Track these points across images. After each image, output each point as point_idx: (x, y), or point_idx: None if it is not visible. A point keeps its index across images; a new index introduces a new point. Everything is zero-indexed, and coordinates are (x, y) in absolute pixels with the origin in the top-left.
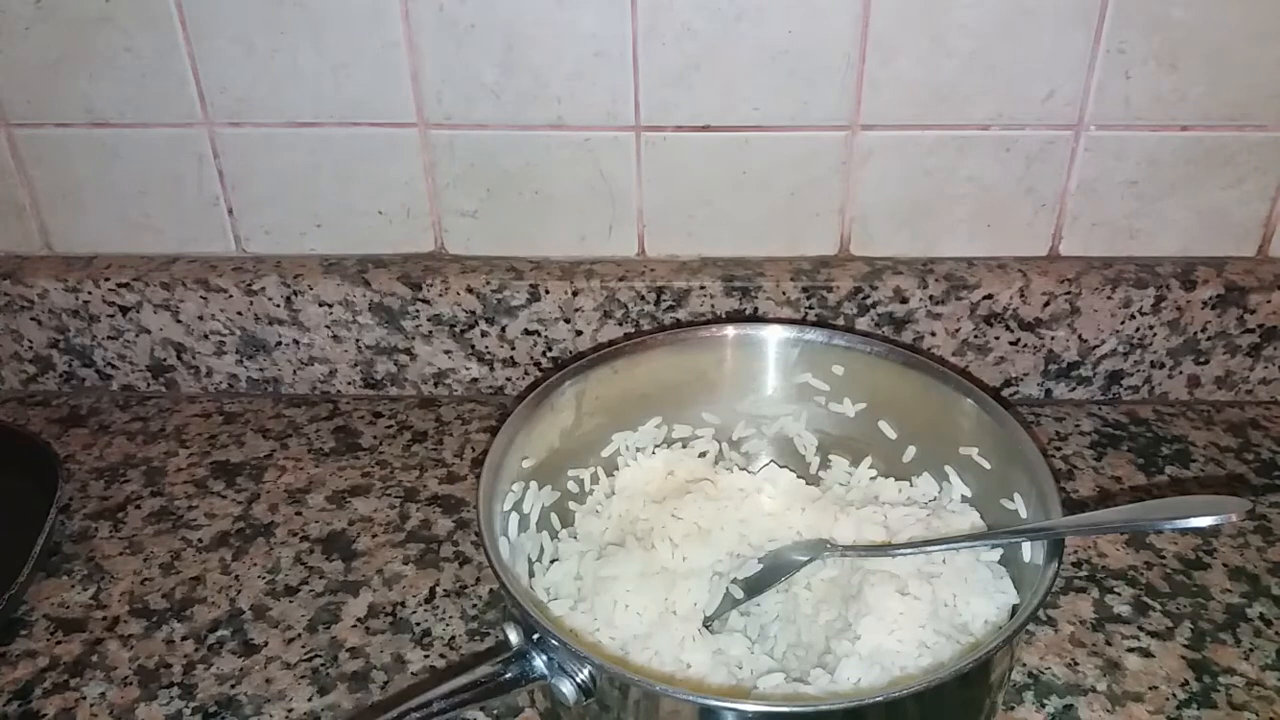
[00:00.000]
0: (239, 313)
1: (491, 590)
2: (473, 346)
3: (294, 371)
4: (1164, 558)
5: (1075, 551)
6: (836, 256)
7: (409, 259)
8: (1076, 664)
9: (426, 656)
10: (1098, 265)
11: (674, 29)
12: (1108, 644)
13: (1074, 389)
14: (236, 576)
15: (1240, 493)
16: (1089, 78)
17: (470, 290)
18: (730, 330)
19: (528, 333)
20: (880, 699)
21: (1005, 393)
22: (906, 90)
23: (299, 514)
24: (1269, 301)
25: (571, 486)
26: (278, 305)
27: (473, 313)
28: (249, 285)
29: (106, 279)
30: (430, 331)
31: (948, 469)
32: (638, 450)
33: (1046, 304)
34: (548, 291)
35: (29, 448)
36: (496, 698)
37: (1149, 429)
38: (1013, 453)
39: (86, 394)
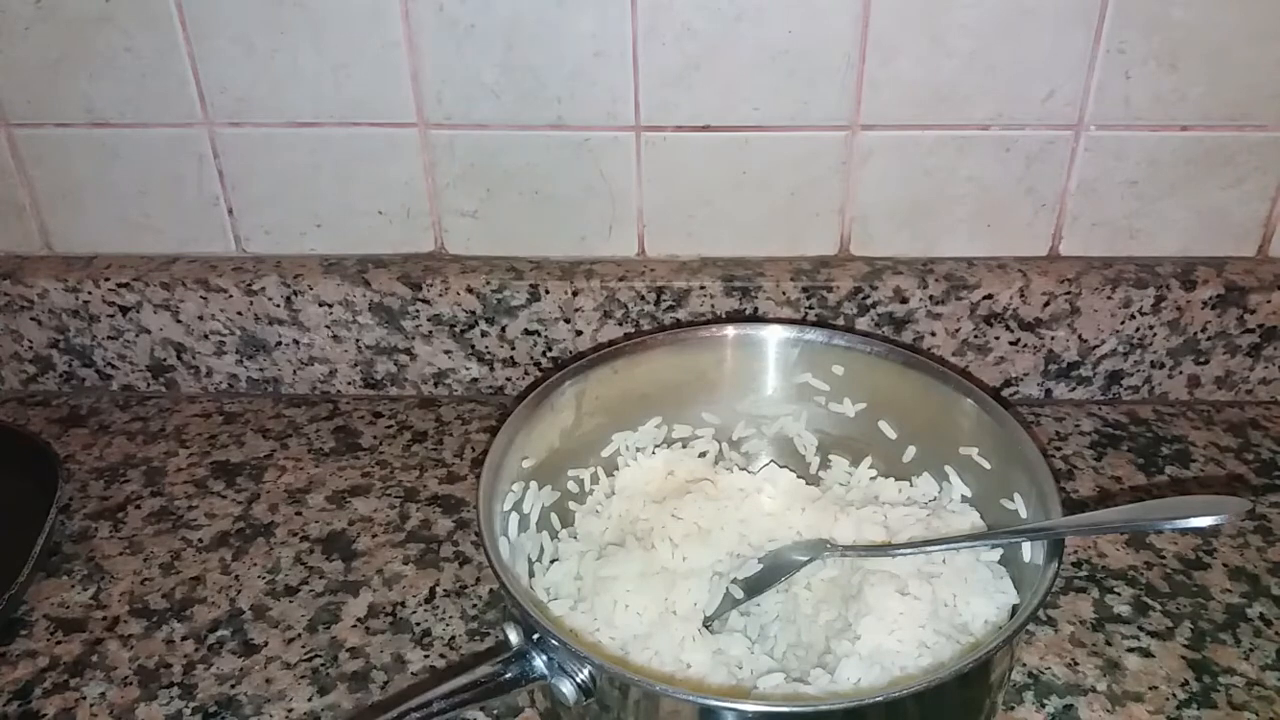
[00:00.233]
0: (239, 313)
1: (491, 590)
2: (473, 346)
3: (294, 371)
4: (1164, 558)
5: (1075, 551)
6: (836, 256)
7: (409, 259)
8: (1076, 664)
9: (426, 656)
10: (1098, 265)
11: (674, 29)
12: (1108, 644)
13: (1074, 389)
14: (236, 576)
15: (1240, 493)
16: (1089, 78)
17: (470, 290)
18: (730, 330)
19: (528, 333)
20: (880, 699)
21: (1005, 393)
22: (906, 90)
23: (299, 514)
24: (1269, 301)
25: (571, 486)
26: (278, 305)
27: (473, 313)
28: (249, 285)
29: (106, 279)
30: (430, 331)
31: (948, 469)
32: (638, 450)
33: (1046, 304)
34: (548, 291)
35: (29, 448)
36: (496, 698)
37: (1149, 429)
38: (1013, 453)
39: (86, 394)
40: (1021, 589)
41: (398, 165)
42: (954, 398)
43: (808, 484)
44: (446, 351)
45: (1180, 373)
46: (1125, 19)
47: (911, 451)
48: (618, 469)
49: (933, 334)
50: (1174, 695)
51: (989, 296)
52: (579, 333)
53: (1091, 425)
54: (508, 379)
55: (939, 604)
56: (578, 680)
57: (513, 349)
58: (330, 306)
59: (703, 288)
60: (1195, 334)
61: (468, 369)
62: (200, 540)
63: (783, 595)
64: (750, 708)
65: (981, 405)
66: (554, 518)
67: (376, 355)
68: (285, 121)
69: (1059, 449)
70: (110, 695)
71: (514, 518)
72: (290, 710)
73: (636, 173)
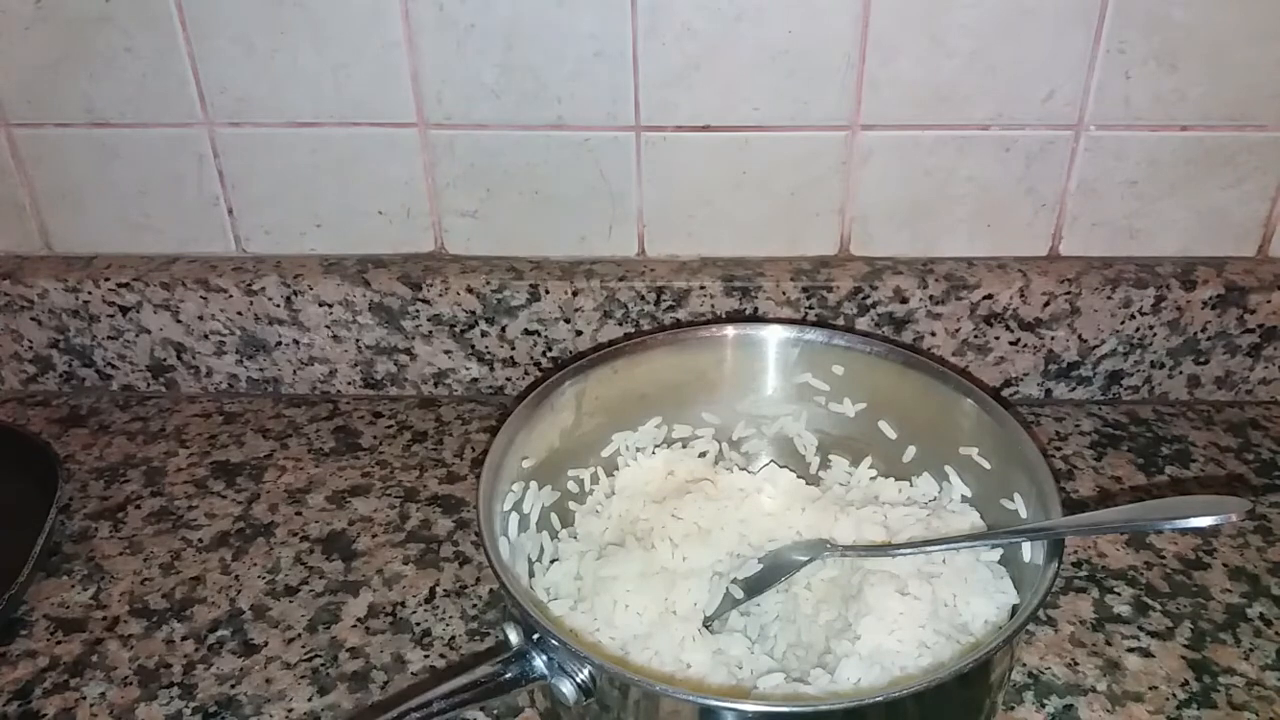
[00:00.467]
0: (239, 313)
1: (491, 590)
2: (473, 346)
3: (294, 371)
4: (1164, 558)
5: (1075, 551)
6: (836, 256)
7: (409, 259)
8: (1076, 664)
9: (426, 656)
10: (1098, 265)
11: (674, 29)
12: (1108, 644)
13: (1074, 389)
14: (236, 576)
15: (1240, 493)
16: (1089, 78)
17: (470, 290)
18: (730, 330)
19: (528, 333)
20: (880, 699)
21: (1005, 393)
22: (906, 90)
23: (299, 514)
24: (1269, 301)
25: (571, 486)
26: (278, 305)
27: (473, 313)
28: (249, 285)
29: (106, 279)
30: (430, 331)
31: (948, 469)
32: (638, 450)
33: (1046, 304)
34: (548, 291)
35: (29, 448)
36: (496, 698)
37: (1149, 429)
38: (1013, 453)
39: (86, 394)
40: (1021, 589)
41: (398, 165)
42: (954, 398)
43: (808, 484)
44: (446, 351)
45: (1180, 373)
46: (1125, 19)
47: (911, 451)
48: (618, 469)
49: (933, 334)
50: (1174, 695)
51: (989, 296)
52: (579, 333)
53: (1091, 425)
54: (508, 379)
55: (939, 604)
56: (578, 680)
57: (513, 349)
58: (330, 306)
59: (703, 288)
60: (1195, 334)
61: (468, 369)
62: (200, 540)
63: (783, 595)
64: (750, 708)
65: (981, 405)
66: (554, 518)
67: (376, 355)
68: (285, 121)
69: (1059, 449)
70: (110, 695)
71: (514, 518)
72: (290, 710)
73: (636, 173)
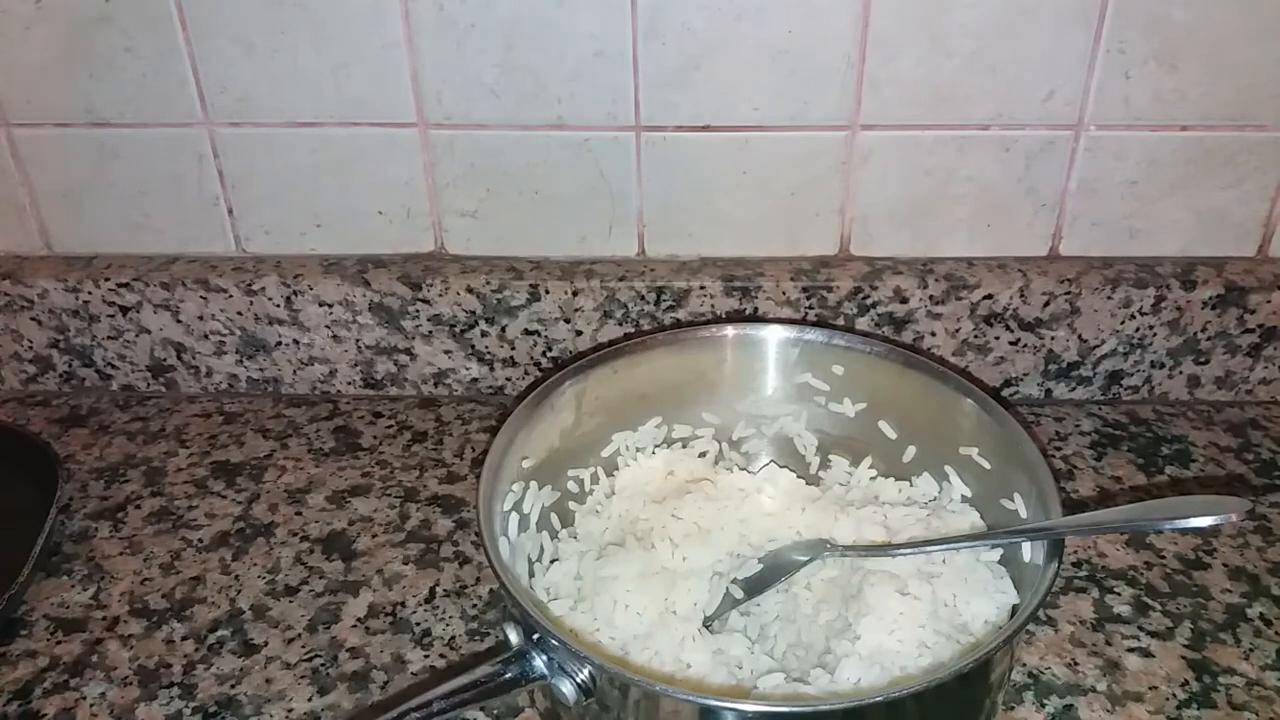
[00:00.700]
0: (239, 313)
1: (491, 590)
2: (473, 346)
3: (294, 371)
4: (1164, 558)
5: (1075, 551)
6: (836, 256)
7: (409, 259)
8: (1076, 664)
9: (426, 656)
10: (1098, 265)
11: (674, 29)
12: (1108, 644)
13: (1074, 389)
14: (236, 576)
15: (1240, 493)
16: (1089, 78)
17: (470, 290)
18: (730, 330)
19: (528, 333)
20: (880, 699)
21: (1005, 393)
22: (906, 90)
23: (299, 514)
24: (1269, 301)
25: (571, 486)
26: (278, 305)
27: (473, 313)
28: (249, 285)
29: (106, 279)
30: (430, 331)
31: (948, 469)
32: (638, 450)
33: (1046, 304)
34: (548, 291)
35: (29, 448)
36: (496, 698)
37: (1149, 429)
38: (1013, 453)
39: (86, 394)
40: (1021, 589)
41: (398, 165)
42: (954, 398)
43: (808, 484)
44: (446, 351)
45: (1180, 373)
46: (1125, 19)
47: (911, 451)
48: (618, 469)
49: (933, 334)
50: (1174, 695)
51: (989, 296)
52: (579, 333)
53: (1091, 425)
54: (508, 379)
55: (939, 604)
56: (578, 680)
57: (513, 349)
58: (330, 306)
59: (703, 288)
60: (1195, 334)
61: (468, 369)
62: (200, 540)
63: (783, 595)
64: (750, 708)
65: (981, 405)
66: (554, 518)
67: (376, 355)
68: (285, 121)
69: (1059, 449)
70: (110, 695)
71: (514, 518)
72: (290, 710)
73: (636, 173)
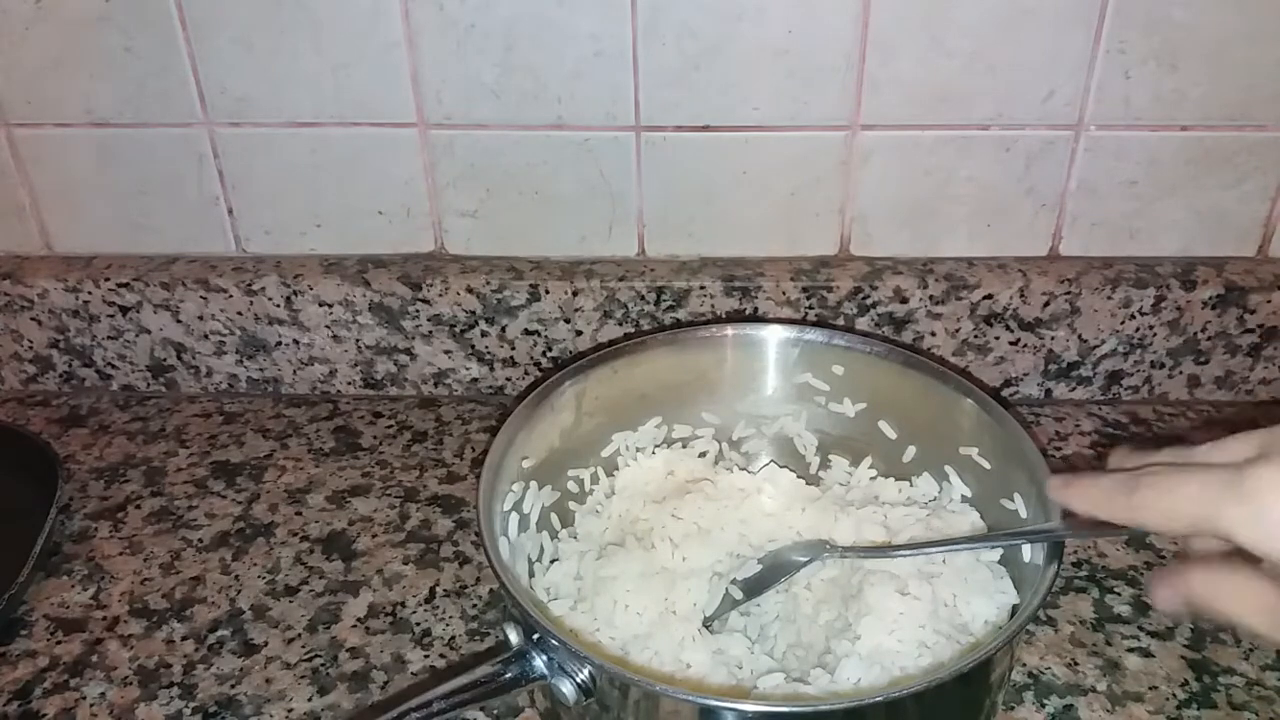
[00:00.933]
0: (239, 313)
1: (491, 590)
2: (473, 346)
3: (294, 371)
4: (1164, 558)
5: (1075, 551)
6: (836, 256)
7: (409, 259)
8: (1076, 664)
9: (426, 656)
10: (1098, 265)
11: (674, 29)
12: (1108, 644)
13: (1074, 389)
14: (236, 576)
15: None
16: (1089, 78)
17: (470, 290)
18: (730, 330)
19: (528, 333)
20: (880, 699)
21: (1005, 393)
22: (906, 90)
23: (299, 514)
24: (1269, 301)
25: (571, 486)
26: (278, 305)
27: (473, 313)
28: (249, 285)
29: (106, 279)
30: (430, 331)
31: (948, 469)
32: (638, 450)
33: (1046, 304)
34: (548, 291)
35: (29, 448)
36: (496, 698)
37: (1149, 429)
38: (1013, 453)
39: (86, 394)
40: (1021, 589)
41: (398, 165)
42: (954, 398)
43: (808, 484)
44: (446, 351)
45: (1180, 373)
46: (1125, 19)
47: (911, 451)
48: (618, 469)
49: (933, 334)
50: (1174, 695)
51: (989, 296)
52: (579, 333)
53: (1091, 425)
54: (508, 379)
55: (939, 604)
56: (578, 680)
57: (513, 349)
58: (330, 306)
59: (703, 288)
60: (1195, 334)
61: (468, 369)
62: (200, 540)
63: (783, 595)
64: (750, 708)
65: (981, 405)
66: (554, 518)
67: (376, 355)
68: (285, 121)
69: (1059, 449)
70: (110, 695)
71: (514, 518)
72: (290, 710)
73: (636, 173)
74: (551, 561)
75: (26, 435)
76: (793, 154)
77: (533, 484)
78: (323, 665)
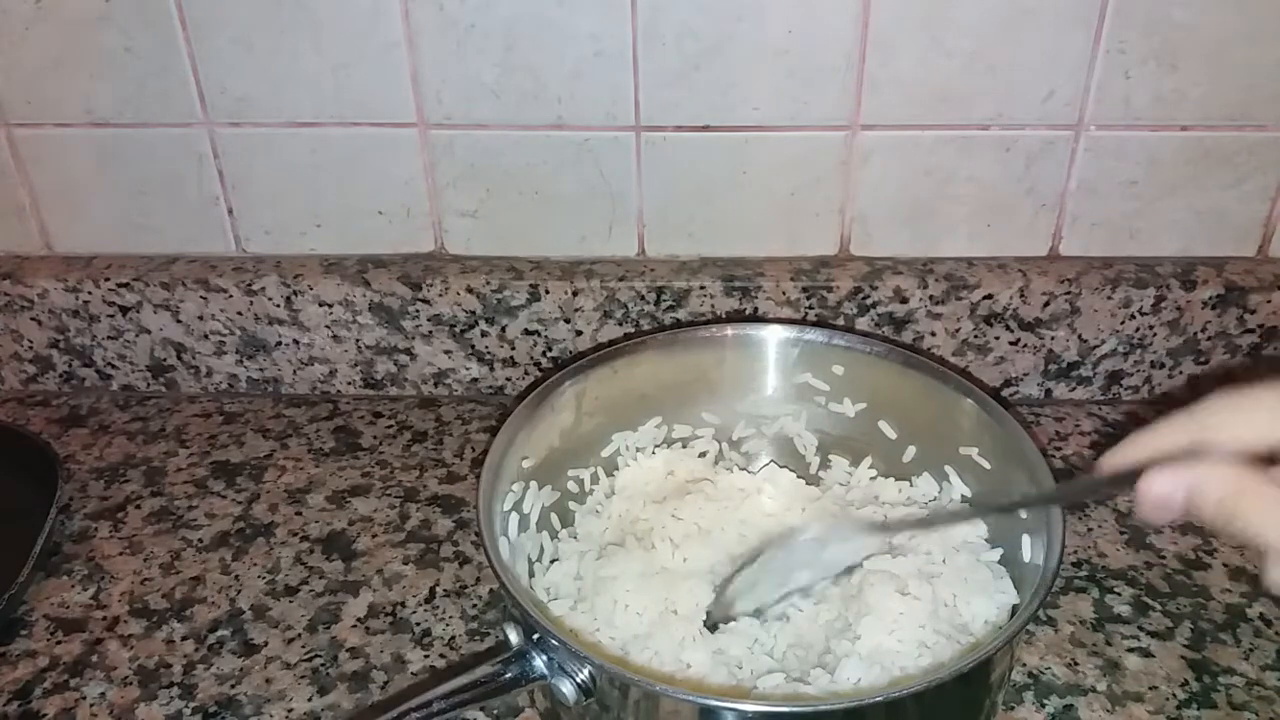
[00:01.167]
0: (239, 313)
1: (491, 590)
2: (473, 346)
3: (294, 371)
4: (1164, 557)
5: (1075, 551)
6: (836, 256)
7: (409, 259)
8: (1076, 664)
9: (426, 656)
10: (1098, 265)
11: (674, 29)
12: (1108, 644)
13: (1074, 389)
14: (236, 576)
15: None
16: (1089, 78)
17: (470, 290)
18: (730, 330)
19: (528, 333)
20: (880, 699)
21: (1005, 393)
22: (906, 90)
23: (299, 514)
24: (1269, 301)
25: (571, 486)
26: (278, 305)
27: (473, 313)
28: (249, 285)
29: (106, 279)
30: (430, 331)
31: (948, 469)
32: (638, 450)
33: (1046, 304)
34: (548, 291)
35: (29, 448)
36: (496, 698)
37: None
38: (1013, 453)
39: (86, 394)
40: (1021, 589)
41: (398, 165)
42: (954, 398)
43: (808, 484)
44: (446, 351)
45: (1180, 373)
46: (1125, 19)
47: (911, 451)
48: (618, 469)
49: (933, 334)
50: (1174, 695)
51: (989, 296)
52: (579, 333)
53: (1091, 425)
54: (508, 379)
55: (939, 604)
56: (578, 680)
57: (513, 349)
58: (330, 306)
59: (703, 288)
60: (1195, 334)
61: (468, 369)
62: (200, 540)
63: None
64: (750, 708)
65: (981, 405)
66: (554, 518)
67: (376, 355)
68: (285, 121)
69: (1059, 449)
70: (110, 695)
71: (514, 518)
72: (290, 710)
73: (636, 173)
74: (551, 561)
75: (26, 435)
76: (793, 154)
77: (533, 484)
78: (323, 665)
